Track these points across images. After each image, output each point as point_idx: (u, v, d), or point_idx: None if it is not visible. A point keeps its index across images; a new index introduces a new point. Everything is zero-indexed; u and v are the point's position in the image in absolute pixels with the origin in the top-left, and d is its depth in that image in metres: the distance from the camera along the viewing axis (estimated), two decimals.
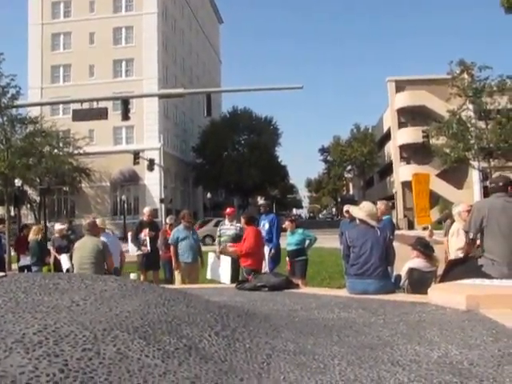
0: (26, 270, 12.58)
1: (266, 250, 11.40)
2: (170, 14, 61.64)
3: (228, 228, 11.21)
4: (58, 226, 13.36)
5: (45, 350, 2.32)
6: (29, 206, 48.33)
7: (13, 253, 17.52)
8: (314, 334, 3.81)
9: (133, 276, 9.59)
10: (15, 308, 2.86)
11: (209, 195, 57.08)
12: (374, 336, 3.81)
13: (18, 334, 2.45)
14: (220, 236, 11.21)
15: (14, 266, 15.24)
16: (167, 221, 12.53)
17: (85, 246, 8.06)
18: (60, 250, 12.27)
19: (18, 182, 37.74)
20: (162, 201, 47.15)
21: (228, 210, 11.75)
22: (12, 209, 36.84)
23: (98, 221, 10.83)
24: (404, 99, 55.49)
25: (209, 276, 10.77)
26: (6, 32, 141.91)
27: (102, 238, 9.61)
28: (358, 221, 7.09)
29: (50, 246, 13.00)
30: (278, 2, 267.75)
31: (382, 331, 3.98)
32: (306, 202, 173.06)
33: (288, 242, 11.58)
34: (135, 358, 2.44)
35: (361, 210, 7.02)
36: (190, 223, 10.79)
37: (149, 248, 11.91)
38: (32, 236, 12.48)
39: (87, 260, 7.84)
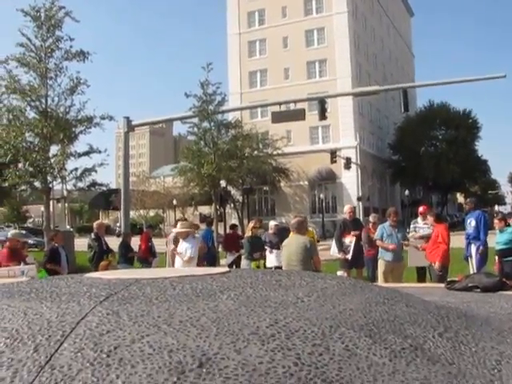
0: (234, 266, 13.37)
1: (473, 248, 11.03)
2: (360, 12, 61.45)
3: (421, 227, 11.06)
4: (272, 222, 13.93)
5: (278, 343, 2.43)
6: (232, 205, 51.16)
7: (220, 249, 18.55)
8: None
9: (340, 273, 9.74)
10: (246, 302, 3.03)
11: (407, 192, 55.79)
12: None
13: (253, 326, 2.60)
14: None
15: (222, 262, 16.08)
16: (370, 219, 12.49)
17: (292, 244, 8.28)
18: (271, 246, 12.81)
19: (222, 183, 40.14)
20: (359, 199, 47.13)
21: (421, 208, 11.62)
22: (218, 208, 39.41)
23: (187, 223, 11.20)
24: None
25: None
26: (206, 44, 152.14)
27: (187, 244, 9.99)
28: None
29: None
30: None
31: None
32: (509, 198, 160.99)
33: (496, 240, 10.99)
34: (363, 356, 2.46)
35: None
36: (395, 221, 10.65)
37: (349, 256, 11.51)
38: (247, 233, 13.35)
39: (294, 257, 8.04)
